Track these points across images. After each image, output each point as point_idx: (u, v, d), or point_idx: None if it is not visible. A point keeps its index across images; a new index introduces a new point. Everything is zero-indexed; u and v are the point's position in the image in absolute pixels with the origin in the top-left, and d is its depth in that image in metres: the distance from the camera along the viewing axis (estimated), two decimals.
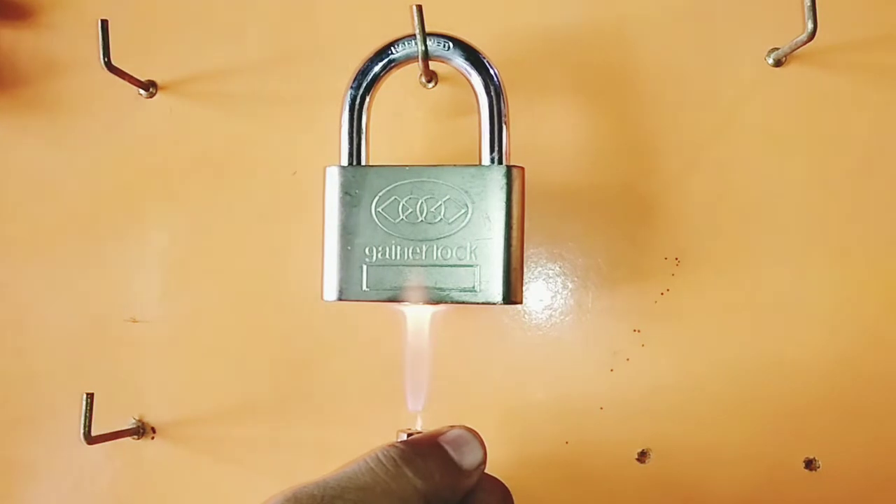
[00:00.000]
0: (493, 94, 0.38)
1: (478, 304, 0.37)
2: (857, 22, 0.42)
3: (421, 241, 0.37)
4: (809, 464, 0.42)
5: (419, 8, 0.38)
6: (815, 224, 0.42)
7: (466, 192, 0.37)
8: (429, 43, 0.38)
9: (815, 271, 0.42)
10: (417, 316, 0.38)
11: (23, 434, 0.48)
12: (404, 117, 0.45)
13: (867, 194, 0.42)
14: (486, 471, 0.31)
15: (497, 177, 0.37)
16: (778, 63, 0.42)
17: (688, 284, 0.43)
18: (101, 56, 0.43)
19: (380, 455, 0.28)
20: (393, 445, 0.29)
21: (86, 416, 0.42)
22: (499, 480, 0.32)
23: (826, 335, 0.42)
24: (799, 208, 0.42)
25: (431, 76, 0.44)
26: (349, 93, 0.39)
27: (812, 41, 0.38)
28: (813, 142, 0.42)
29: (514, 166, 0.37)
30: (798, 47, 0.40)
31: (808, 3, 0.38)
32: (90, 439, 0.42)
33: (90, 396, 0.42)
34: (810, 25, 0.38)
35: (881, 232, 0.42)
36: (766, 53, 0.42)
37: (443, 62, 0.39)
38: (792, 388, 0.42)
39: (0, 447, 0.48)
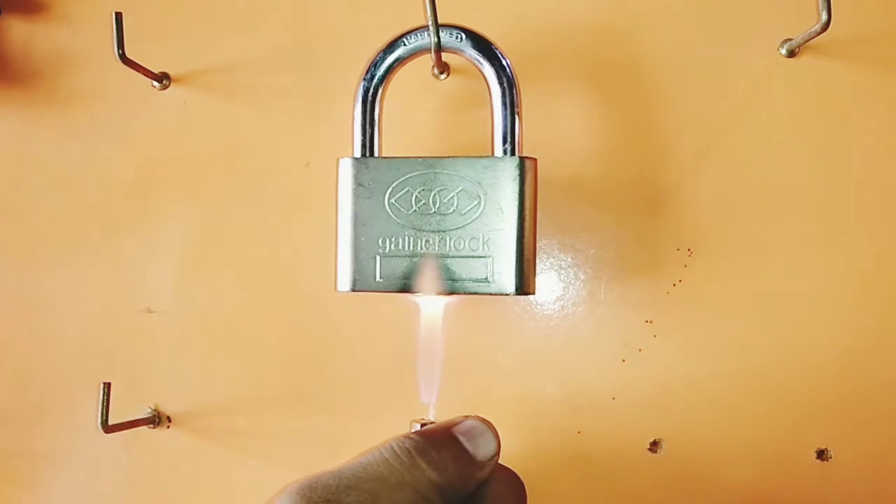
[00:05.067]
0: (505, 85, 0.38)
1: (490, 294, 0.37)
2: (870, 13, 0.42)
3: (434, 231, 0.37)
4: (821, 454, 0.42)
5: None
6: (827, 215, 0.42)
7: (479, 183, 0.37)
8: (441, 34, 0.38)
9: (827, 262, 0.42)
10: (430, 307, 0.38)
11: (40, 423, 0.48)
12: (417, 109, 0.45)
13: (879, 185, 0.42)
14: (499, 461, 0.31)
15: (510, 168, 0.37)
16: (791, 54, 0.42)
17: (700, 275, 0.43)
18: (116, 48, 0.43)
19: (394, 446, 0.29)
20: (407, 437, 0.29)
21: (103, 405, 0.42)
22: (512, 471, 0.32)
23: (838, 326, 0.42)
24: (811, 199, 0.42)
25: (444, 68, 0.44)
26: (362, 84, 0.39)
27: (826, 32, 0.38)
28: (825, 133, 0.42)
29: (526, 158, 0.37)
30: (811, 38, 0.39)
31: None
32: (107, 428, 0.42)
33: (107, 386, 0.42)
34: (824, 16, 0.37)
35: (894, 223, 0.42)
36: (779, 44, 0.42)
37: (455, 53, 0.39)
38: (804, 378, 0.42)
39: (18, 436, 0.49)
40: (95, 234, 0.48)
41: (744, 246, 0.43)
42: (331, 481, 0.27)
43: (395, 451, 0.28)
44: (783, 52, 0.42)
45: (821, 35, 0.39)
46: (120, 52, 0.43)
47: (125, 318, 0.48)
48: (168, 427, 0.47)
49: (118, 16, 0.43)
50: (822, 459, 0.42)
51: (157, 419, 0.47)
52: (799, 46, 0.41)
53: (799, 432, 0.42)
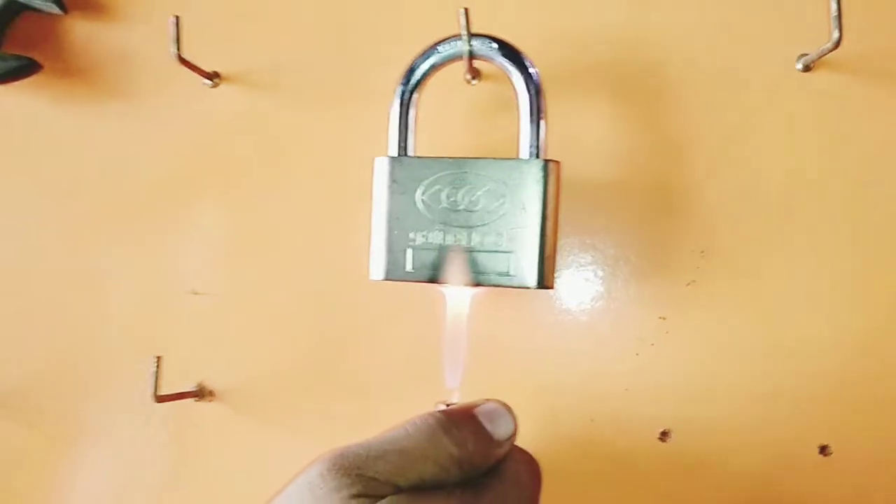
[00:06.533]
0: (532, 92, 0.39)
1: (512, 287, 0.38)
2: (886, 30, 0.42)
3: (461, 227, 0.39)
4: (823, 450, 0.43)
5: (466, 11, 0.39)
6: (835, 222, 0.43)
7: (505, 183, 0.38)
8: (473, 43, 0.40)
9: (833, 265, 0.43)
10: (456, 297, 0.40)
11: (89, 395, 0.51)
12: (449, 112, 0.46)
13: (885, 193, 0.43)
14: (516, 443, 0.32)
15: (534, 170, 0.38)
16: (807, 68, 0.43)
17: (712, 276, 0.44)
18: (174, 49, 0.45)
19: (419, 422, 0.30)
20: (431, 414, 0.30)
21: (155, 376, 0.45)
22: (528, 452, 0.33)
23: (842, 326, 0.43)
24: (820, 206, 0.43)
25: (475, 74, 0.45)
26: (399, 88, 0.41)
27: (840, 48, 0.39)
28: (835, 144, 0.43)
29: (550, 160, 0.38)
30: (824, 54, 0.40)
31: (834, 13, 0.38)
32: (158, 398, 0.45)
33: (158, 359, 0.45)
34: (836, 34, 0.38)
35: None
36: (796, 58, 0.43)
37: (486, 61, 0.40)
38: (809, 376, 0.43)
39: (69, 408, 0.51)
40: (146, 221, 0.50)
41: (754, 248, 0.44)
42: (360, 451, 0.29)
43: (418, 427, 0.30)
44: (799, 66, 0.43)
45: (834, 51, 0.39)
46: (176, 52, 0.45)
47: (172, 298, 0.50)
48: (211, 400, 0.49)
49: (176, 19, 0.45)
50: (824, 455, 0.43)
51: (201, 393, 0.49)
52: (814, 61, 0.42)
53: (803, 428, 0.43)
